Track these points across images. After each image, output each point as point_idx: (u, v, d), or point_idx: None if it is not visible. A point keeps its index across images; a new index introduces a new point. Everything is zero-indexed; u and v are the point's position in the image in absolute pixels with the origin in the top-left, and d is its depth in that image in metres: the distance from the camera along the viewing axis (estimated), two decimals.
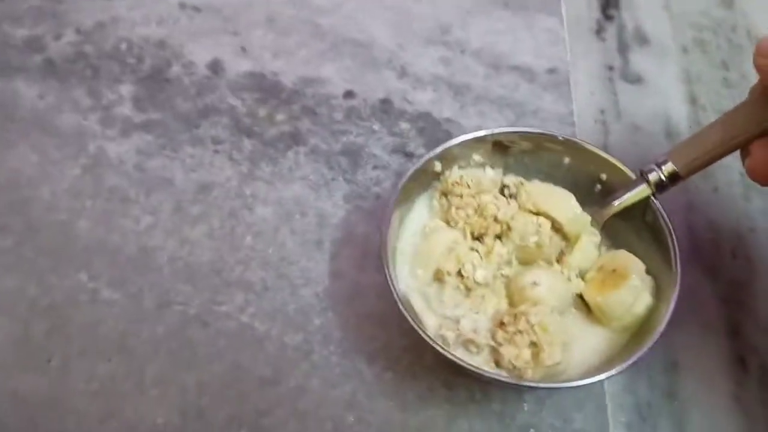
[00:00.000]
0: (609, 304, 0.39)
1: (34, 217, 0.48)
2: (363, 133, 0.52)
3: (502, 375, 0.38)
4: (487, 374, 0.37)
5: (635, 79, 0.54)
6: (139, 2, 0.60)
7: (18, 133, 0.52)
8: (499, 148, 0.45)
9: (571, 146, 0.44)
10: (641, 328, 0.39)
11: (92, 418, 0.40)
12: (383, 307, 0.44)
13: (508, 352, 0.38)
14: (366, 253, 0.46)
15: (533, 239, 0.41)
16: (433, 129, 0.52)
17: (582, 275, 0.41)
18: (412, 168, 0.43)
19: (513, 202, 0.43)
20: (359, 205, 0.48)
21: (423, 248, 0.43)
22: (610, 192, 0.42)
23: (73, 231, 0.47)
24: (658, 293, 0.40)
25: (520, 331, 0.38)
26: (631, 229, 0.42)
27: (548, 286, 0.40)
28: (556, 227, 0.42)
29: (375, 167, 0.50)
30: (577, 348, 0.39)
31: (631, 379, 0.41)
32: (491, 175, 0.45)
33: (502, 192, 0.44)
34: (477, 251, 0.42)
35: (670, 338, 0.42)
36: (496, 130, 0.44)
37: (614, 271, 0.40)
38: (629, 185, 0.41)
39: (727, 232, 0.46)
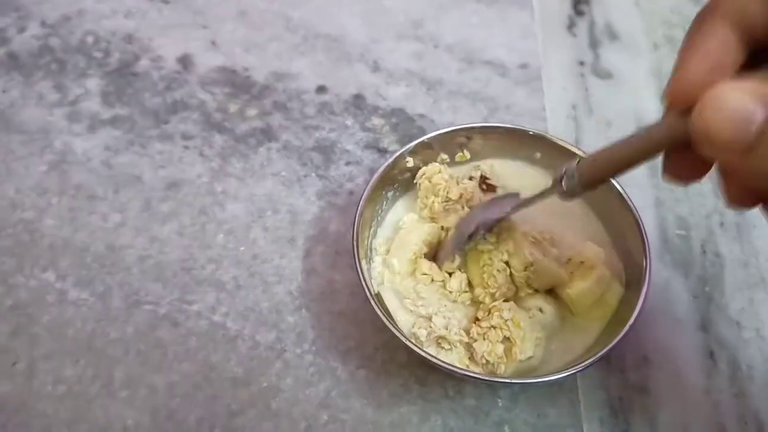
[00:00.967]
0: (579, 295, 0.40)
1: None
2: (335, 129, 0.51)
3: (473, 371, 0.38)
4: (459, 371, 0.37)
5: (606, 75, 0.54)
6: None
7: None
8: (472, 142, 0.45)
9: (540, 140, 0.44)
10: (613, 318, 0.40)
11: (60, 421, 0.39)
12: (357, 305, 0.43)
13: (481, 347, 0.38)
14: (339, 251, 0.46)
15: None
16: (406, 125, 0.52)
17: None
18: (384, 164, 0.43)
19: (490, 194, 0.44)
20: (332, 202, 0.48)
21: (397, 242, 0.42)
22: None
23: (38, 229, 0.46)
24: (629, 285, 0.40)
25: (494, 327, 0.38)
26: (602, 221, 0.43)
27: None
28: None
29: (348, 163, 0.50)
30: (551, 343, 0.40)
31: (604, 374, 0.42)
32: (465, 170, 0.45)
33: (481, 186, 0.45)
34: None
35: (642, 333, 0.43)
36: (467, 125, 0.45)
37: (582, 263, 0.40)
38: (543, 193, 0.38)
39: (697, 228, 0.47)
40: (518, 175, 0.45)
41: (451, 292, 0.40)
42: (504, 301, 0.39)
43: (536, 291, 0.41)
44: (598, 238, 0.43)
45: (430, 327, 0.38)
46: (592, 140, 0.51)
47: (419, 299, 0.40)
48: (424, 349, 0.37)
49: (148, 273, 0.45)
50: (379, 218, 0.44)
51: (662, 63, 0.55)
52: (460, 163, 0.46)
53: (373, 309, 0.37)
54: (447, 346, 0.39)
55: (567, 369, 0.36)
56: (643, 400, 0.41)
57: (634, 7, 0.58)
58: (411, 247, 0.42)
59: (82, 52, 0.55)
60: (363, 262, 0.40)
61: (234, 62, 0.55)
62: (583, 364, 0.36)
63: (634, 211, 0.41)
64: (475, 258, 0.41)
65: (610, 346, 0.37)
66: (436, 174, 0.43)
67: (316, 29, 0.57)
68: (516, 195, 0.40)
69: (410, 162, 0.44)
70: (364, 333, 0.43)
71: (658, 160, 0.30)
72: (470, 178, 0.45)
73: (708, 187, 0.49)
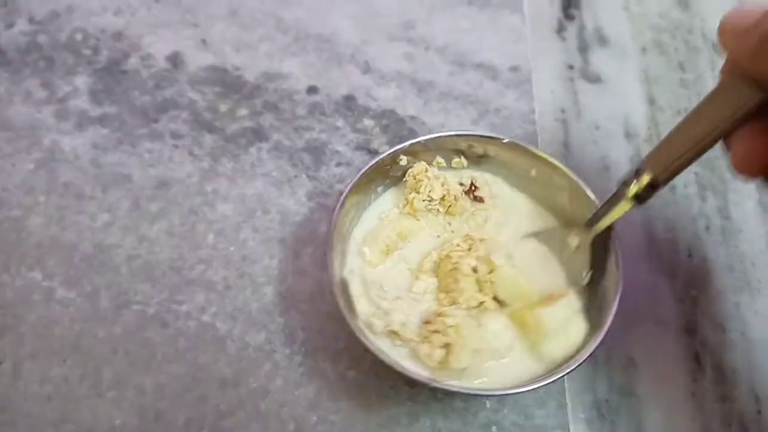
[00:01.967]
0: (543, 315, 0.39)
1: None
2: (326, 130, 0.51)
3: (416, 373, 0.37)
4: (407, 373, 0.37)
5: (595, 79, 0.55)
6: None
7: None
8: (471, 150, 0.46)
9: (539, 160, 0.44)
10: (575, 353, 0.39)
11: (46, 422, 0.39)
12: None
13: (422, 349, 0.38)
14: None
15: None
16: (397, 126, 0.52)
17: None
18: (377, 158, 0.43)
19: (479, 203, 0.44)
20: (322, 203, 0.48)
21: (373, 232, 0.43)
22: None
23: (25, 228, 0.46)
24: (598, 326, 0.39)
25: (438, 331, 0.38)
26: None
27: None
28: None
29: (338, 164, 0.50)
30: (499, 360, 0.39)
31: (591, 376, 0.42)
32: (459, 175, 0.46)
33: (468, 194, 0.45)
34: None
35: (628, 336, 0.43)
36: (468, 133, 0.45)
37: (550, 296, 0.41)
38: (610, 201, 0.39)
39: (683, 231, 0.48)
40: (510, 196, 0.45)
41: (416, 293, 0.41)
42: (465, 309, 0.39)
43: (501, 304, 0.40)
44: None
45: (387, 320, 0.39)
46: (580, 143, 0.51)
47: (383, 291, 0.41)
48: (374, 342, 0.38)
49: (137, 273, 0.44)
50: (364, 210, 0.44)
51: (650, 67, 0.56)
52: (457, 168, 0.46)
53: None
54: (398, 342, 0.39)
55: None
56: (629, 402, 0.41)
57: (623, 11, 0.59)
58: (384, 239, 0.42)
59: (70, 50, 0.54)
60: (338, 248, 0.40)
61: (224, 61, 0.55)
62: (562, 372, 0.37)
63: (618, 255, 0.40)
64: (445, 262, 0.41)
65: (594, 345, 0.37)
66: (422, 172, 0.43)
67: (308, 30, 0.57)
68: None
69: (404, 160, 0.44)
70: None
71: None
72: (460, 184, 0.45)
73: (694, 191, 0.49)
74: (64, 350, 0.42)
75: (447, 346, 0.38)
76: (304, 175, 0.49)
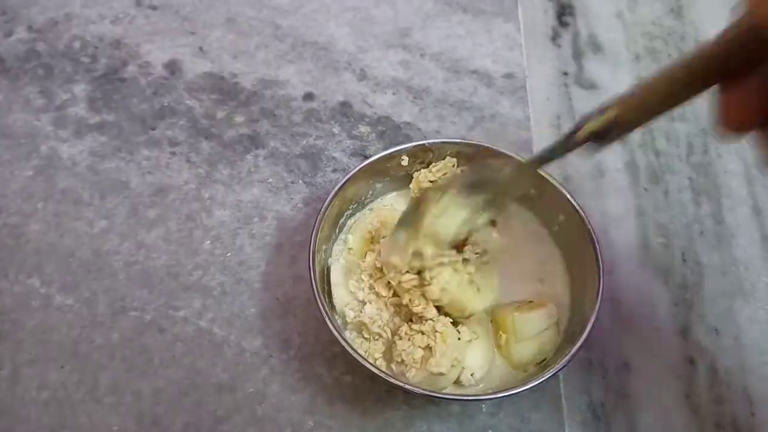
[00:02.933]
0: (522, 321, 0.40)
1: None
2: (322, 136, 0.52)
3: (381, 370, 0.37)
4: (366, 364, 0.37)
5: (589, 85, 0.55)
6: None
7: None
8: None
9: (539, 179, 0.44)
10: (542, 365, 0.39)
11: (44, 427, 0.39)
12: None
13: (402, 344, 0.38)
14: None
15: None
16: (392, 132, 0.52)
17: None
18: (378, 155, 0.43)
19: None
20: (319, 209, 0.48)
21: (360, 221, 0.44)
22: None
23: (24, 234, 0.46)
24: (571, 338, 0.39)
25: (422, 332, 0.38)
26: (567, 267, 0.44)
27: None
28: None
29: (335, 170, 0.50)
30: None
31: (586, 379, 0.42)
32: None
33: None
34: None
35: (624, 339, 0.44)
36: (471, 141, 0.45)
37: (531, 301, 0.41)
38: (562, 140, 0.34)
39: (677, 236, 0.48)
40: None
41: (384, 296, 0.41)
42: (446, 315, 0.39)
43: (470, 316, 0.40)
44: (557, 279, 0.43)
45: (360, 311, 0.40)
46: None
47: (361, 282, 0.41)
48: (342, 335, 0.38)
49: (135, 279, 0.45)
50: (360, 203, 0.45)
51: (643, 74, 0.56)
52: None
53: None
54: (366, 335, 0.40)
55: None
56: (624, 404, 0.41)
57: (616, 19, 0.59)
58: (367, 226, 0.43)
59: (69, 57, 0.55)
60: (321, 237, 0.41)
61: (222, 69, 0.55)
62: (546, 375, 0.37)
63: (600, 267, 0.40)
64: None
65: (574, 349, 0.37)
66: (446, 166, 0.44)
67: (304, 37, 0.57)
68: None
69: (405, 161, 0.44)
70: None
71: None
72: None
73: (688, 196, 0.50)
74: (62, 356, 0.42)
75: (428, 348, 0.38)
76: (300, 181, 0.50)
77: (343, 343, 0.37)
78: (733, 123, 0.25)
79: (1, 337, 0.42)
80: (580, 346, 0.37)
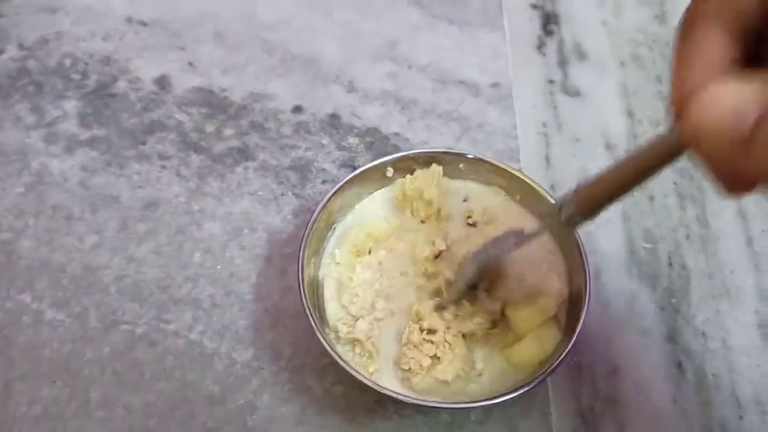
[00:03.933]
0: (520, 318, 0.40)
1: None
2: (312, 148, 0.52)
3: (372, 382, 0.38)
4: (377, 387, 0.38)
5: (575, 93, 0.56)
6: (85, 17, 0.59)
7: None
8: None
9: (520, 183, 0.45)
10: (544, 362, 0.39)
11: None
12: None
13: (411, 353, 0.39)
14: None
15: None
16: (381, 143, 0.53)
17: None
18: (365, 166, 0.45)
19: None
20: (308, 220, 0.49)
21: (345, 235, 0.44)
22: None
23: (15, 250, 0.46)
24: (568, 333, 0.40)
25: (432, 341, 0.39)
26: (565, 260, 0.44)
27: None
28: None
29: (324, 181, 0.51)
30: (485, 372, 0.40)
31: (575, 384, 0.43)
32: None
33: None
34: None
35: (612, 344, 0.44)
36: (458, 152, 0.46)
37: (539, 290, 0.41)
38: (545, 223, 0.40)
39: (663, 241, 0.48)
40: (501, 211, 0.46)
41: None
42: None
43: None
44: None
45: (353, 327, 0.40)
46: (561, 156, 0.52)
47: (355, 297, 0.41)
48: (332, 345, 0.38)
49: (125, 293, 0.45)
50: (348, 214, 0.45)
51: (628, 81, 0.57)
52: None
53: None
54: (358, 350, 0.40)
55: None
56: (613, 409, 0.42)
57: (601, 27, 0.60)
58: (354, 240, 0.43)
59: (59, 74, 0.55)
60: (312, 248, 0.42)
61: (211, 83, 0.56)
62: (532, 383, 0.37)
63: (587, 272, 0.40)
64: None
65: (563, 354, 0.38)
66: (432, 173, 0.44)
67: (293, 51, 0.58)
68: (520, 231, 0.40)
69: (390, 172, 0.45)
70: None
71: None
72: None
73: (674, 201, 0.50)
74: (53, 371, 0.42)
75: (435, 357, 0.39)
76: (290, 193, 0.50)
77: (332, 353, 0.38)
78: (732, 195, 0.25)
79: None
80: (567, 353, 0.38)
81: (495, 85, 0.56)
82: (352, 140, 0.53)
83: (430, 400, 0.38)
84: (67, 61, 0.56)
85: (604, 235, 0.48)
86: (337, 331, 0.40)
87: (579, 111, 0.55)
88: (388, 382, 0.39)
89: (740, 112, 0.21)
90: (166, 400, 0.41)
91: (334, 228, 0.45)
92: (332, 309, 0.41)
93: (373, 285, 0.42)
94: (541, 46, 0.59)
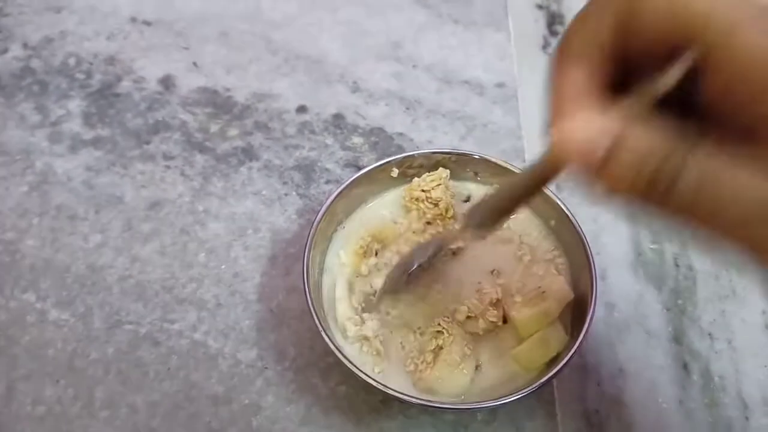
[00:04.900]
0: (524, 320, 0.40)
1: None
2: (316, 148, 0.52)
3: (378, 383, 0.38)
4: (360, 373, 0.38)
5: None
6: (89, 16, 0.59)
7: None
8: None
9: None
10: (550, 363, 0.39)
11: None
12: None
13: (414, 353, 0.40)
14: None
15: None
16: (385, 143, 0.53)
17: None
18: (370, 166, 0.44)
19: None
20: (312, 220, 0.48)
21: (349, 235, 0.44)
22: None
23: (19, 250, 0.46)
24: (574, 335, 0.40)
25: (441, 347, 0.39)
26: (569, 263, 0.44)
27: None
28: None
29: (328, 182, 0.51)
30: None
31: (580, 386, 0.42)
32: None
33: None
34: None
35: (617, 346, 0.44)
36: (464, 152, 0.46)
37: (543, 292, 0.41)
38: (457, 231, 0.41)
39: (669, 242, 0.48)
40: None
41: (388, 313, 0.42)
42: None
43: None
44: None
45: (361, 325, 0.40)
46: None
47: (365, 296, 0.42)
48: (336, 344, 0.38)
49: (129, 293, 0.45)
50: (353, 214, 0.45)
51: None
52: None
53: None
54: (365, 349, 0.40)
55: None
56: (619, 411, 0.42)
57: None
58: (359, 241, 0.43)
59: (63, 74, 0.55)
60: (313, 249, 0.41)
61: (215, 83, 0.55)
62: (531, 386, 0.37)
63: (593, 274, 0.40)
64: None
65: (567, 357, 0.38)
66: (423, 188, 0.44)
67: (297, 51, 0.58)
68: (444, 240, 0.41)
69: (395, 172, 0.45)
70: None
71: None
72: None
73: None
74: (57, 371, 0.42)
75: (438, 348, 0.39)
76: (294, 193, 0.50)
77: (337, 353, 0.37)
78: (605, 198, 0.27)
79: None
80: (573, 354, 0.38)
81: (500, 85, 0.56)
82: (357, 140, 0.53)
83: (436, 401, 0.38)
84: (72, 61, 0.56)
85: (611, 235, 0.48)
86: (345, 331, 0.40)
87: None
88: (394, 383, 0.39)
89: (593, 143, 0.23)
90: (170, 400, 0.41)
91: (339, 228, 0.45)
92: (343, 309, 0.41)
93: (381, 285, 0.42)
94: (546, 46, 0.59)
